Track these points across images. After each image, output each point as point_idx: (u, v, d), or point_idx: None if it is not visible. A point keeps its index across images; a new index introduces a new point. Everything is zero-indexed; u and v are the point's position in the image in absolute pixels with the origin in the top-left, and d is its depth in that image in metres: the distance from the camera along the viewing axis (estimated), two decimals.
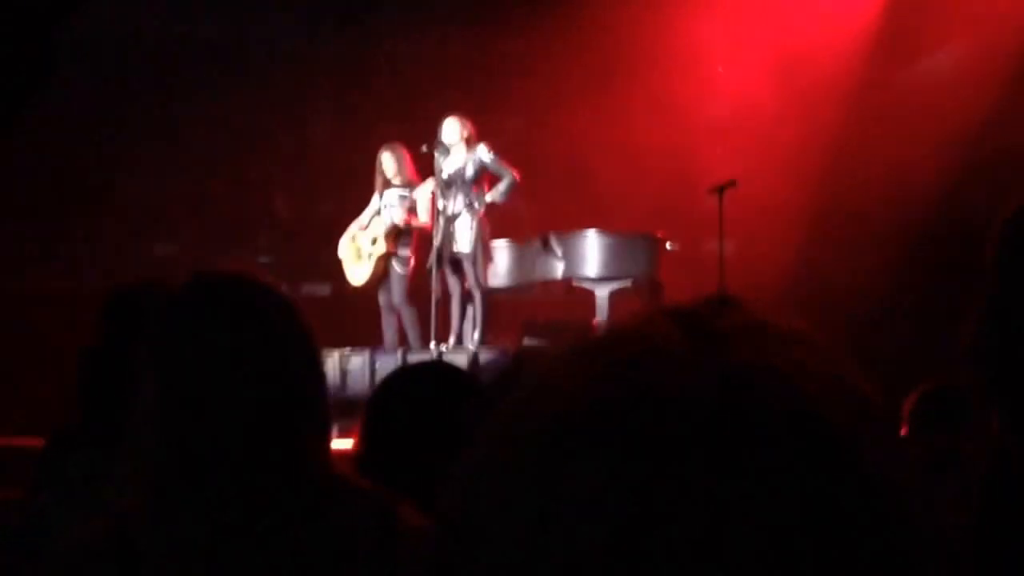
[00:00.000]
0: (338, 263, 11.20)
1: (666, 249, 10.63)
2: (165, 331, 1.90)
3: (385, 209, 10.76)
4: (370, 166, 10.90)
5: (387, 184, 10.76)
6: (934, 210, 11.55)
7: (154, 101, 13.38)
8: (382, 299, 10.90)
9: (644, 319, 0.73)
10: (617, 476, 0.64)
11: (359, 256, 10.91)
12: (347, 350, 10.69)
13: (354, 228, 10.99)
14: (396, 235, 10.71)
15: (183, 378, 1.84)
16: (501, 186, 10.34)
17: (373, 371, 10.45)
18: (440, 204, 10.39)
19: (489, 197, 10.33)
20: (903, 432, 4.22)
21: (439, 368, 3.09)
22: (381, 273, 10.80)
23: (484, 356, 10.04)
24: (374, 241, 10.78)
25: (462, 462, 0.72)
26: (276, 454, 1.84)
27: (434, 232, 10.46)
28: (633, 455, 0.64)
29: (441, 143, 10.42)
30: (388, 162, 10.73)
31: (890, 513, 0.66)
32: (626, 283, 10.47)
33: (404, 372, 3.08)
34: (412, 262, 10.75)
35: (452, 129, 10.42)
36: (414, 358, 10.31)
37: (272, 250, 15.00)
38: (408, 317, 10.83)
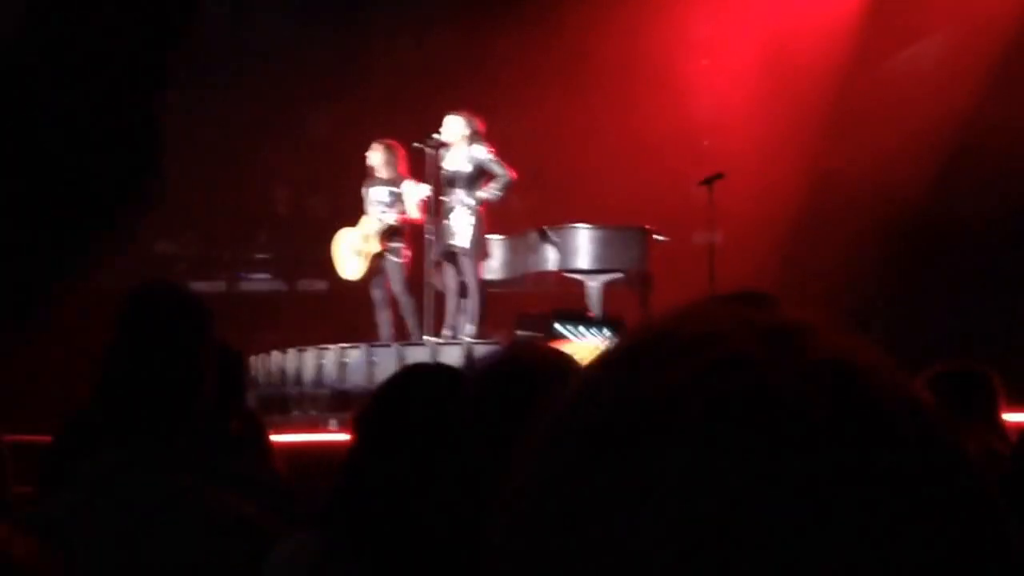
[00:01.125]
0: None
1: (656, 241, 10.77)
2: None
3: (375, 205, 10.87)
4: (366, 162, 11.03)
5: (376, 180, 10.88)
6: (920, 200, 11.67)
7: (152, 100, 13.45)
8: (375, 294, 11.03)
9: (698, 316, 0.72)
10: (731, 485, 0.63)
11: (350, 252, 11.05)
12: (344, 344, 10.88)
13: (346, 231, 11.12)
14: (388, 232, 10.83)
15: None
16: (496, 184, 10.47)
17: (371, 365, 10.62)
18: (439, 199, 10.57)
19: (484, 194, 10.47)
20: None
21: (440, 371, 3.12)
22: (374, 269, 10.93)
23: (478, 349, 10.18)
24: (366, 239, 10.90)
25: (522, 481, 0.69)
26: None
27: (429, 227, 10.63)
28: (750, 461, 0.63)
29: (434, 139, 10.57)
30: (378, 158, 10.84)
31: (991, 507, 0.67)
32: (617, 275, 10.61)
33: (405, 375, 3.03)
34: (407, 253, 10.88)
35: (454, 126, 10.53)
36: (410, 350, 10.49)
37: (270, 246, 15.12)
38: (407, 306, 10.96)
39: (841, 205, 11.75)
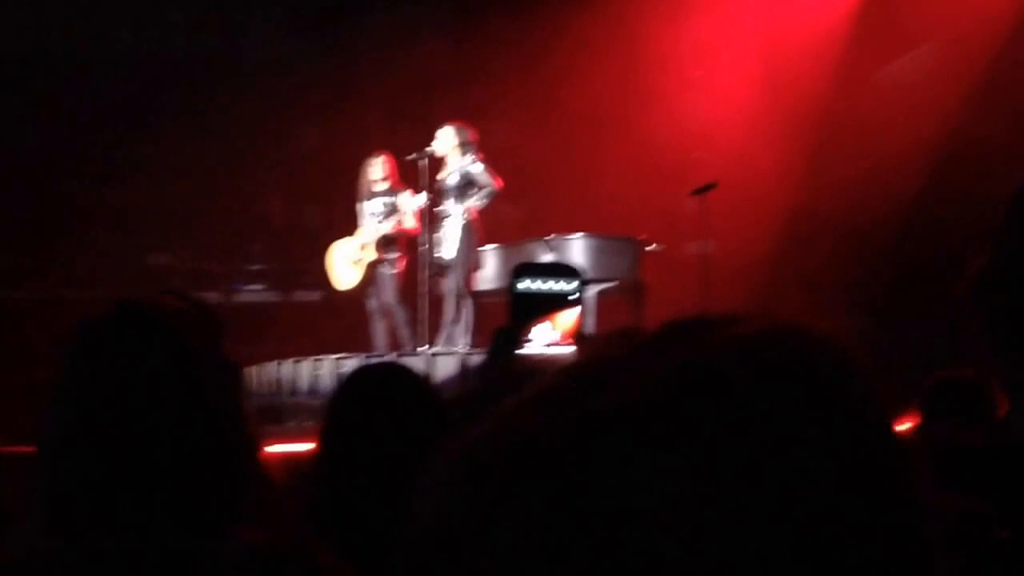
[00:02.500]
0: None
1: (649, 251, 10.77)
2: (76, 358, 1.87)
3: (370, 217, 10.92)
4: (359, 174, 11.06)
5: (372, 192, 10.92)
6: (912, 208, 11.69)
7: (146, 113, 13.49)
8: (371, 305, 11.07)
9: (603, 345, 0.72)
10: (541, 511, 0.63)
11: (345, 262, 11.09)
12: (334, 356, 10.89)
13: (341, 242, 11.17)
14: (383, 243, 10.87)
15: (88, 410, 1.82)
16: (480, 193, 10.51)
17: None
18: (433, 210, 10.61)
19: (468, 203, 10.51)
20: (915, 422, 4.25)
21: (392, 369, 3.14)
22: (369, 279, 10.98)
23: (473, 359, 10.19)
24: (362, 248, 10.95)
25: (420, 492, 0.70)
26: (174, 496, 1.79)
27: (424, 237, 10.66)
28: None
29: (426, 151, 10.60)
30: (374, 170, 10.90)
31: (909, 512, 0.67)
32: (611, 285, 10.61)
33: (359, 374, 3.09)
34: (401, 263, 10.93)
35: (445, 138, 10.58)
36: (406, 360, 10.51)
37: (264, 258, 15.13)
38: (400, 317, 10.99)
39: (834, 214, 11.77)
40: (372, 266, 10.93)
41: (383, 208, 10.84)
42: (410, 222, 10.76)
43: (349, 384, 3.02)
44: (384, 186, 10.87)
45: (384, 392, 2.93)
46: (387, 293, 10.93)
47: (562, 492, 0.63)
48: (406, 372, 3.08)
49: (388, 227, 10.80)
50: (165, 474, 1.78)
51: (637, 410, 0.64)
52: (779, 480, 0.63)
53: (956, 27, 11.58)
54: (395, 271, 10.91)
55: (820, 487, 0.64)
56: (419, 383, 3.03)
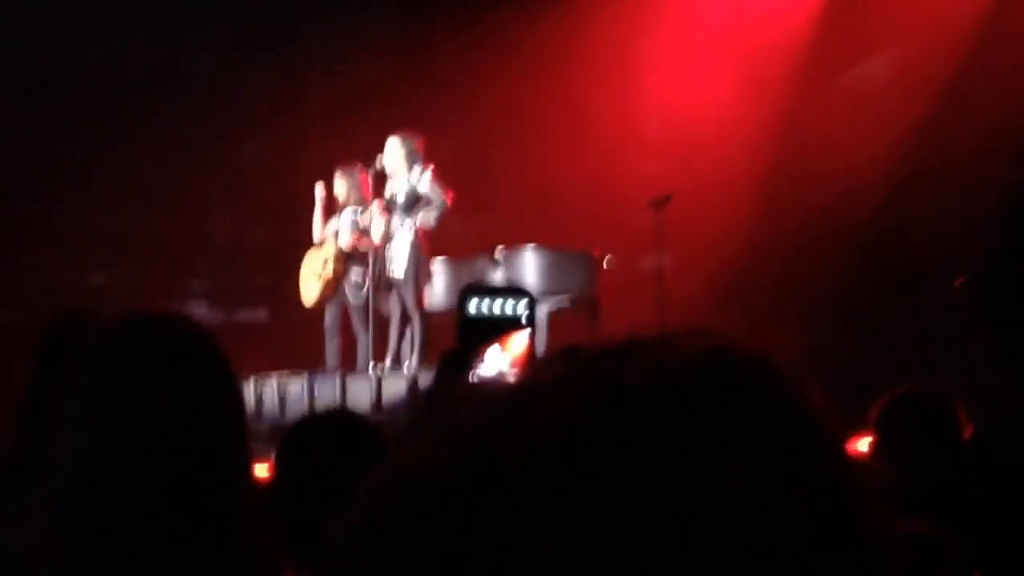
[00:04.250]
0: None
1: (603, 266, 10.63)
2: (87, 371, 1.85)
3: (337, 230, 10.74)
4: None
5: (342, 205, 10.75)
6: (874, 219, 11.61)
7: (85, 128, 13.25)
8: (328, 320, 10.85)
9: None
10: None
11: (309, 276, 10.89)
12: (285, 372, 10.67)
13: (312, 252, 10.99)
14: (346, 258, 10.67)
15: (101, 422, 1.79)
16: (430, 211, 10.29)
17: (312, 396, 10.38)
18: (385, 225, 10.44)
19: (419, 222, 10.31)
20: (872, 439, 4.18)
21: (343, 419, 3.09)
22: (330, 296, 10.75)
23: (423, 379, 9.98)
24: (324, 263, 10.74)
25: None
26: (187, 505, 1.78)
27: (375, 253, 10.49)
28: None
29: (376, 166, 10.45)
30: (340, 183, 10.72)
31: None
32: (564, 300, 10.45)
33: (308, 424, 3.07)
34: (367, 288, 10.66)
35: (393, 150, 10.40)
36: (353, 380, 10.31)
37: (208, 276, 14.88)
38: (362, 343, 10.78)
39: (792, 225, 11.66)
40: (334, 281, 10.69)
41: (348, 224, 10.65)
42: (376, 235, 10.53)
43: (295, 437, 2.94)
44: (351, 200, 10.67)
45: (333, 447, 2.86)
46: (356, 318, 10.71)
47: (461, 541, 0.63)
48: (355, 422, 3.01)
49: (345, 241, 10.59)
50: (188, 493, 1.77)
51: (539, 454, 0.64)
52: (688, 535, 0.61)
53: (920, 33, 11.52)
54: (363, 298, 10.62)
55: (742, 528, 0.61)
56: (369, 435, 2.93)
